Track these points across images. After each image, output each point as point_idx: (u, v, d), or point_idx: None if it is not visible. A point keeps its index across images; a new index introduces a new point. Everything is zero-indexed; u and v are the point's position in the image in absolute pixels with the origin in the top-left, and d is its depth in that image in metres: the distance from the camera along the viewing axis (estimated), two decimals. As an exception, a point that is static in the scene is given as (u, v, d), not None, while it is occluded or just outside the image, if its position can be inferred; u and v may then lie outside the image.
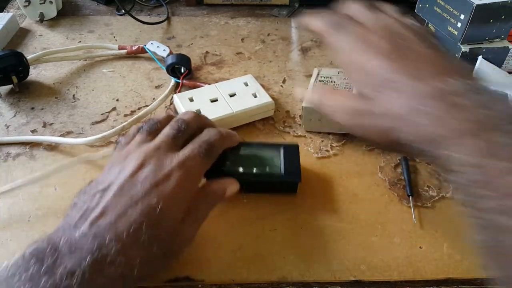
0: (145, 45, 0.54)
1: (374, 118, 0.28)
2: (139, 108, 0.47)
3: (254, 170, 0.36)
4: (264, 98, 0.45)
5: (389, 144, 0.28)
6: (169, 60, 0.49)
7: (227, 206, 0.36)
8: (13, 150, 0.41)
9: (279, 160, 0.37)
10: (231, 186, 0.33)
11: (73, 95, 0.48)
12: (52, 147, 0.42)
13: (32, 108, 0.46)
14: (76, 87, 0.50)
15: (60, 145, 0.42)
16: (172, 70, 0.50)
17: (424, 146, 0.25)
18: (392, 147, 0.28)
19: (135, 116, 0.43)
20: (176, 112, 0.45)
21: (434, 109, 0.25)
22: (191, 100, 0.44)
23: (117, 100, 0.48)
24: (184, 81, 0.49)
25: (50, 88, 0.49)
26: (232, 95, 0.45)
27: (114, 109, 0.47)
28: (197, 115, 0.34)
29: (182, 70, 0.50)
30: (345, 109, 0.30)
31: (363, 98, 0.29)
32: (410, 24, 0.30)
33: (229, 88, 0.46)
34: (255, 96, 0.45)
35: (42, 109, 0.46)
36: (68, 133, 0.43)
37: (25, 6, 0.60)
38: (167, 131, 0.32)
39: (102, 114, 0.46)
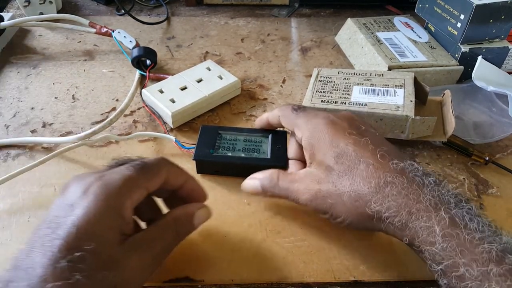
0: (112, 31, 0.54)
1: (342, 195, 0.29)
2: (139, 108, 0.47)
3: (242, 155, 0.38)
4: (230, 79, 0.47)
5: (360, 219, 0.29)
6: (135, 53, 0.49)
7: (227, 207, 0.36)
8: (13, 151, 0.41)
9: (267, 146, 0.39)
10: (200, 212, 0.30)
11: (73, 95, 0.48)
12: (51, 147, 0.42)
13: (32, 108, 0.46)
14: (76, 87, 0.50)
15: (60, 145, 0.42)
16: (137, 62, 0.50)
17: (393, 218, 0.27)
18: (363, 223, 0.29)
19: (116, 112, 0.43)
20: (150, 108, 0.45)
21: (400, 181, 0.28)
22: (161, 91, 0.45)
23: (117, 100, 0.48)
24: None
25: (50, 88, 0.49)
26: (199, 81, 0.46)
27: (114, 109, 0.47)
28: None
29: (148, 63, 0.50)
30: (307, 192, 0.31)
31: (325, 175, 0.30)
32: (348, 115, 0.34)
33: (194, 75, 0.47)
34: (221, 78, 0.47)
35: (42, 109, 0.46)
36: (67, 133, 0.43)
37: (25, 6, 0.60)
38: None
39: (102, 114, 0.46)
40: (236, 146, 0.38)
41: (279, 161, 0.37)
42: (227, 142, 0.39)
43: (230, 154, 0.38)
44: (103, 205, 0.24)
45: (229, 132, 0.40)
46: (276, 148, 0.38)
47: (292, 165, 0.36)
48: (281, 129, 0.40)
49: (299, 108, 0.35)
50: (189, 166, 0.40)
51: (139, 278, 0.26)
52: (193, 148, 0.38)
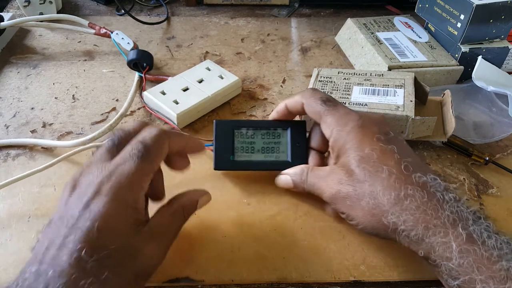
0: (111, 33, 0.54)
1: (361, 199, 0.29)
2: (138, 109, 0.47)
3: (262, 156, 0.37)
4: (231, 78, 0.47)
5: (374, 227, 0.29)
6: (131, 56, 0.49)
7: (227, 207, 0.36)
8: (13, 151, 0.41)
9: (286, 141, 0.38)
10: (203, 198, 0.32)
11: (73, 95, 0.48)
12: (52, 148, 0.42)
13: (32, 108, 0.46)
14: (76, 87, 0.50)
15: (63, 147, 0.41)
16: (134, 64, 0.50)
17: (409, 231, 0.27)
18: (377, 230, 0.30)
19: (116, 116, 0.43)
20: (152, 110, 0.45)
21: (420, 195, 0.28)
22: (163, 93, 0.45)
23: (117, 100, 0.48)
24: (147, 75, 0.49)
25: (50, 88, 0.49)
26: (200, 81, 0.46)
27: (114, 109, 0.47)
28: (146, 124, 0.31)
29: (144, 65, 0.50)
30: (329, 190, 0.32)
31: (346, 177, 0.31)
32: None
33: (194, 75, 0.47)
34: (222, 78, 0.47)
35: (42, 109, 0.46)
36: (68, 134, 0.43)
37: (25, 6, 0.60)
38: (104, 143, 0.29)
39: (102, 114, 0.46)
40: (255, 145, 0.37)
41: (300, 160, 0.36)
42: (244, 141, 0.38)
43: (250, 159, 0.37)
44: (118, 204, 0.25)
45: (245, 127, 0.38)
46: (296, 147, 0.37)
47: (312, 157, 0.36)
48: (299, 119, 0.39)
49: (328, 101, 0.34)
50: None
51: (156, 263, 0.27)
52: (211, 145, 0.38)
